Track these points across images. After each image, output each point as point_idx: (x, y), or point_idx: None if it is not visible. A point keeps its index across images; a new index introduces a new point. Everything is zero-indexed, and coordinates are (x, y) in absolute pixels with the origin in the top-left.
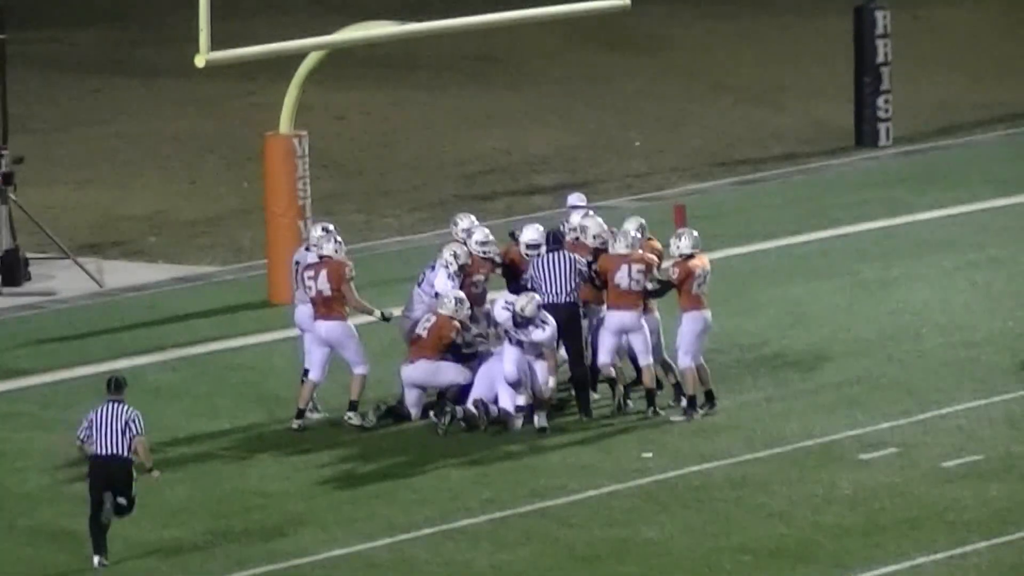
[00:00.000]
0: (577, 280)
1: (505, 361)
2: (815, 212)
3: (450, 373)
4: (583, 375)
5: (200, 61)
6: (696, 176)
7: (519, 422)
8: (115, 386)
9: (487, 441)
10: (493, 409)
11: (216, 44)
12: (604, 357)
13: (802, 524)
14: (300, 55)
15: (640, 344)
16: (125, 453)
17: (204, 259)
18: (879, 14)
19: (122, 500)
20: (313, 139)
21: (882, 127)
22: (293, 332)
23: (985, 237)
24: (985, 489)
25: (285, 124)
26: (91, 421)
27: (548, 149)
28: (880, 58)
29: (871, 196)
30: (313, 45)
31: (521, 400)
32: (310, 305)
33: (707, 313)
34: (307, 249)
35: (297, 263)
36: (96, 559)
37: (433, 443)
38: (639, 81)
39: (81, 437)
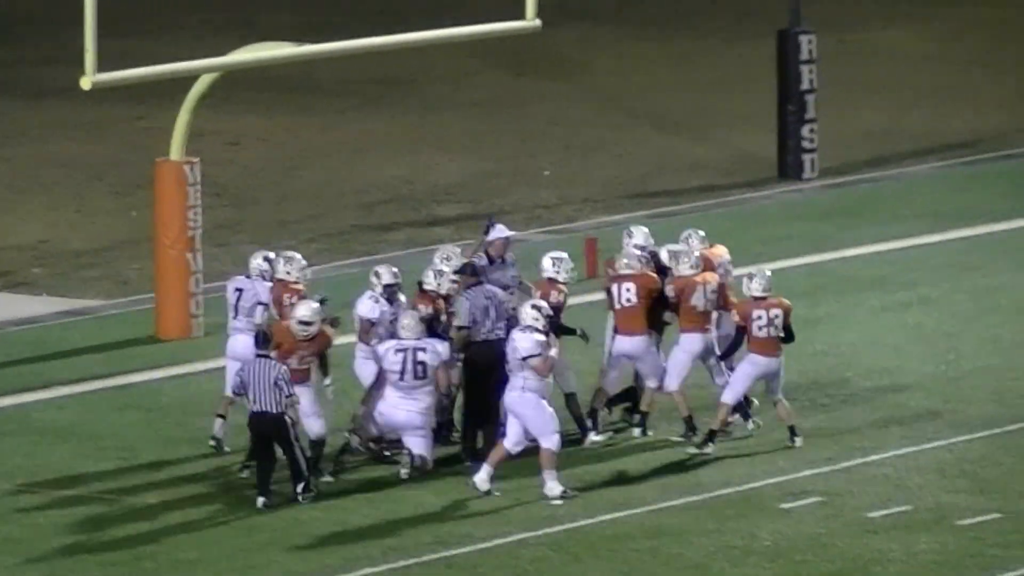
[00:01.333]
0: (504, 316)
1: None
2: (735, 248)
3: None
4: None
5: (86, 83)
6: (609, 208)
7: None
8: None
9: (390, 486)
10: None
11: (105, 65)
12: (674, 382)
13: None
14: (192, 77)
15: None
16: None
17: (90, 292)
18: (804, 38)
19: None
20: (205, 166)
21: (807, 158)
22: (181, 369)
23: (917, 275)
24: (913, 541)
25: (176, 150)
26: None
27: (452, 178)
28: (805, 85)
29: (795, 231)
30: (205, 67)
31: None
32: (247, 335)
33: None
34: (247, 277)
35: (239, 290)
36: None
37: (335, 487)
38: (550, 107)
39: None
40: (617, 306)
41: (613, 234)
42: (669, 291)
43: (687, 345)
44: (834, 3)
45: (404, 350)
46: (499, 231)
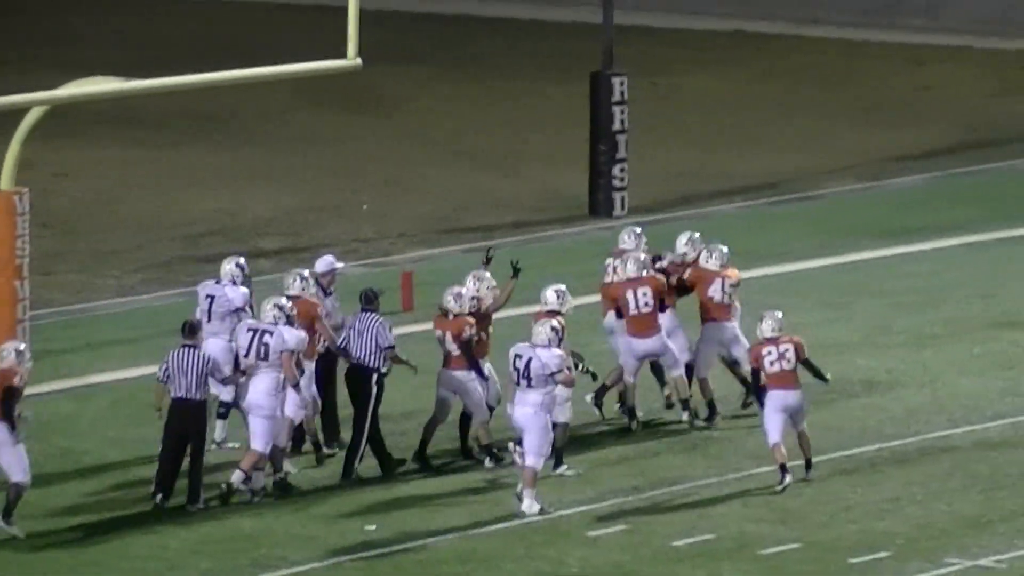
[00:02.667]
0: (378, 345)
1: None
2: (547, 282)
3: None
4: (359, 443)
5: None
6: (424, 242)
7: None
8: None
9: (204, 509)
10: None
11: None
12: (703, 371)
13: None
14: (22, 110)
15: (743, 353)
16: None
17: None
18: (616, 80)
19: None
20: (34, 196)
21: (617, 196)
22: None
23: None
24: (716, 569)
25: (6, 180)
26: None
27: (273, 211)
28: (616, 125)
29: (603, 267)
30: (35, 100)
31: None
32: (222, 339)
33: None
34: (217, 282)
35: (211, 296)
36: (158, 496)
37: (151, 510)
38: (369, 143)
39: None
40: (634, 312)
41: (428, 267)
42: (686, 276)
43: (708, 334)
44: (646, 47)
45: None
46: (328, 263)
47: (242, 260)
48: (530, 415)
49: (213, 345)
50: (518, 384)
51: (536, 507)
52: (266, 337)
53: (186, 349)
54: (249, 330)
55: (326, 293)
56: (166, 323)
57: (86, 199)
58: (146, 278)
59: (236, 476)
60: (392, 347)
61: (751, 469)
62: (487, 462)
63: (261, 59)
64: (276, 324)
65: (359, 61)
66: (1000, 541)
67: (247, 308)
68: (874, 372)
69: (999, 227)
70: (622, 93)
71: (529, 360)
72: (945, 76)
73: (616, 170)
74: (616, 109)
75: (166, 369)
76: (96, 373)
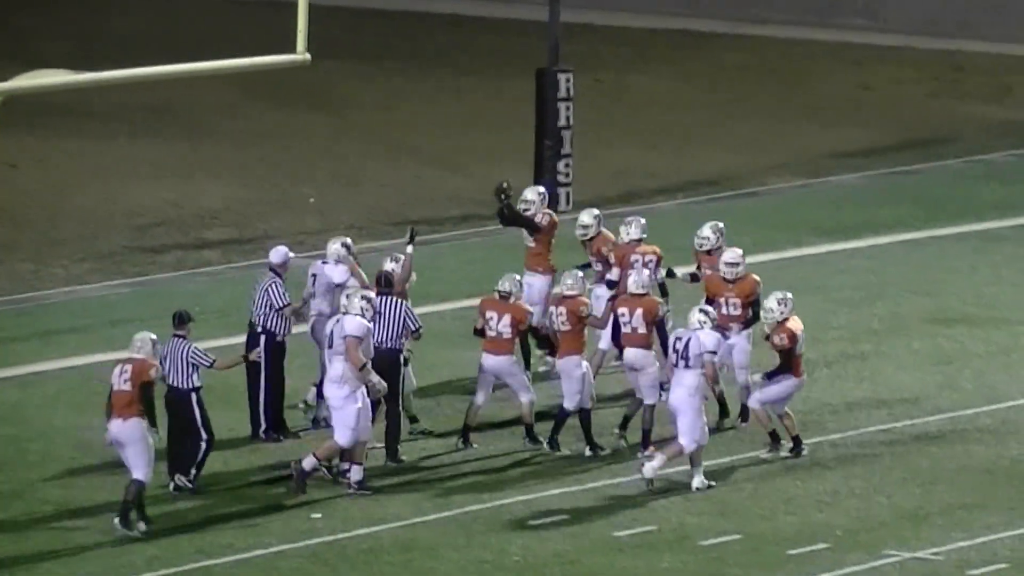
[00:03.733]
0: (403, 327)
1: None
2: (492, 276)
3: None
4: (398, 424)
5: None
6: (370, 235)
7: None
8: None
9: (153, 497)
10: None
11: None
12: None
13: None
14: None
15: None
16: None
17: None
18: (562, 77)
19: None
20: None
21: (562, 191)
22: None
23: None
24: (657, 559)
25: None
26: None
27: (219, 203)
28: (562, 121)
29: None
30: None
31: None
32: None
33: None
34: (324, 261)
35: (314, 275)
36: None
37: (96, 498)
38: (316, 138)
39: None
40: (628, 330)
41: (374, 259)
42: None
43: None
44: (591, 44)
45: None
46: (282, 254)
47: (348, 240)
48: (684, 398)
49: (324, 324)
50: (676, 365)
51: (702, 481)
52: (334, 325)
53: (176, 340)
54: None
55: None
56: (114, 312)
57: (35, 189)
58: (94, 268)
59: (308, 462)
60: (420, 327)
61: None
62: (526, 443)
63: (211, 53)
64: (361, 314)
65: (308, 56)
66: (938, 533)
67: (347, 284)
68: (814, 366)
69: (936, 226)
70: (568, 90)
71: (688, 341)
72: (884, 76)
73: (561, 166)
74: (561, 105)
75: (163, 359)
76: (44, 361)
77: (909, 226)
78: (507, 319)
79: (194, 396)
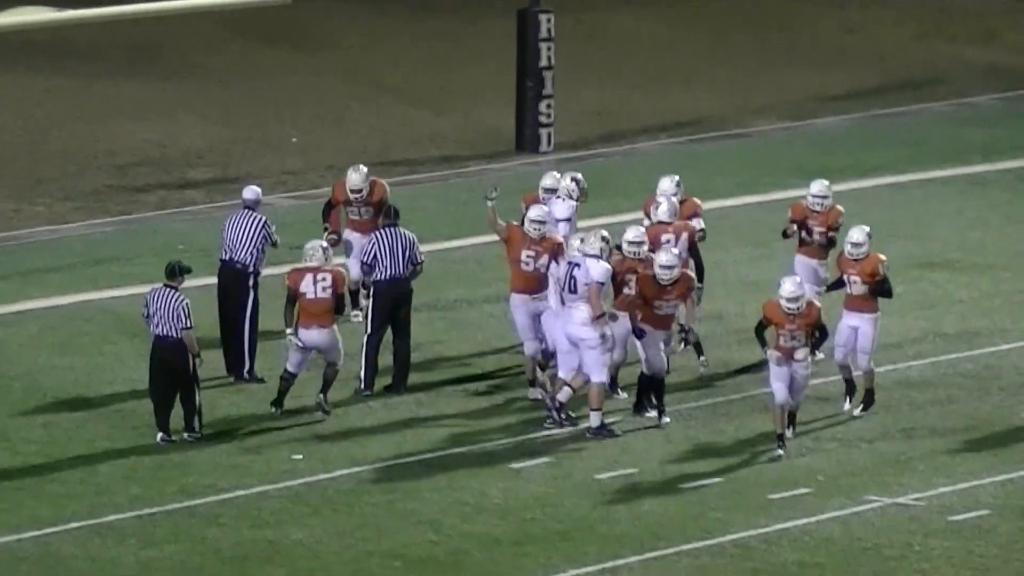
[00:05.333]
0: (411, 257)
1: None
2: (472, 217)
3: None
4: (408, 355)
5: None
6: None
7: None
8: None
9: (137, 436)
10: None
11: None
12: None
13: (451, 532)
14: None
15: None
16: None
17: None
18: (543, 17)
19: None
20: None
21: (544, 132)
22: None
23: (644, 248)
24: (638, 503)
25: None
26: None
27: (202, 143)
28: (543, 62)
29: None
30: None
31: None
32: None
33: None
34: (557, 196)
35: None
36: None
37: (80, 436)
38: (299, 78)
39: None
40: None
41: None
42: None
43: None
44: None
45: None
46: (255, 192)
47: (579, 175)
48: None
49: (595, 267)
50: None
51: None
52: (575, 270)
53: (167, 290)
54: (568, 263)
55: None
56: (96, 252)
57: (16, 128)
58: (77, 207)
59: (594, 418)
60: (422, 262)
61: (673, 406)
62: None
63: None
64: (598, 257)
65: None
66: (919, 479)
67: (570, 220)
68: None
69: (921, 169)
70: (549, 30)
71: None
72: (869, 19)
73: (542, 106)
74: (543, 46)
75: (147, 306)
76: (26, 300)
77: (894, 170)
78: (544, 259)
79: (251, 278)
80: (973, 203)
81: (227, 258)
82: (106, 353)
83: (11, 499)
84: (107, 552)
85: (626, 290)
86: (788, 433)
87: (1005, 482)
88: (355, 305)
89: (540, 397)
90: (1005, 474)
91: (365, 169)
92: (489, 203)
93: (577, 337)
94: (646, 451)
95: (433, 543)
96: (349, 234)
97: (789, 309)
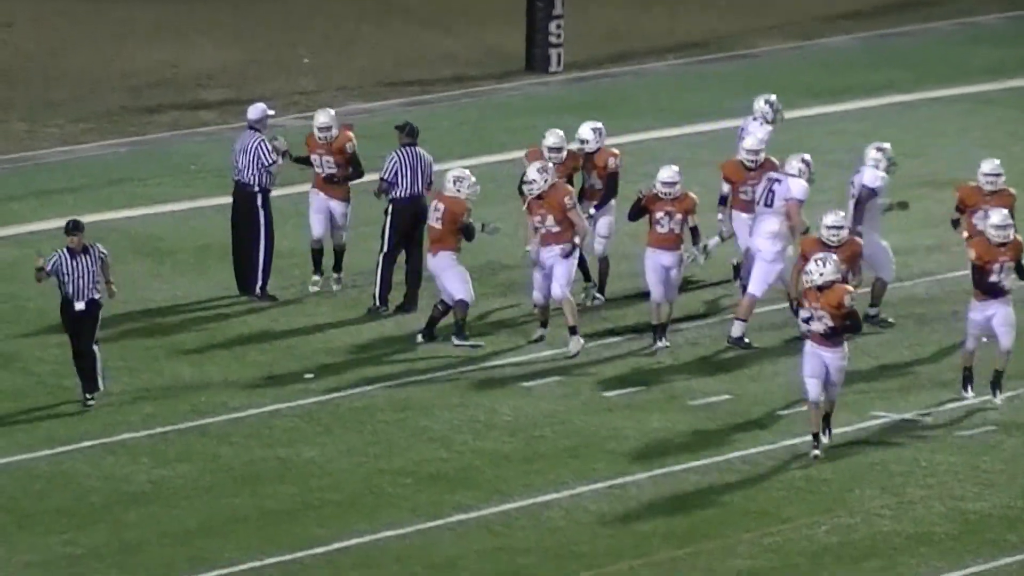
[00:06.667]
0: (428, 177)
1: None
2: (482, 136)
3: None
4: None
5: None
6: (364, 96)
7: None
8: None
9: (149, 356)
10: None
11: None
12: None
13: (462, 449)
14: None
15: None
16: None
17: None
18: None
19: None
20: None
21: (553, 52)
22: None
23: (656, 167)
24: (647, 419)
25: None
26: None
27: (215, 64)
28: None
29: (539, 122)
30: None
31: None
32: None
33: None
34: (754, 119)
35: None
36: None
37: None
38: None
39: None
40: (661, 229)
41: (367, 120)
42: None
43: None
44: None
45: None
46: (260, 111)
47: (772, 97)
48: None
49: (796, 184)
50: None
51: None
52: (775, 186)
53: (70, 253)
54: (766, 178)
55: None
56: (110, 172)
57: (30, 50)
58: (90, 128)
59: (736, 328)
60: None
61: (679, 325)
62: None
63: None
64: (799, 176)
65: None
66: (926, 395)
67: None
68: None
69: (927, 88)
70: None
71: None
72: None
73: (553, 26)
74: None
75: (55, 263)
76: (40, 220)
77: (900, 89)
78: (679, 217)
79: (260, 197)
80: (979, 122)
81: (236, 179)
82: (119, 273)
83: (25, 419)
84: (120, 470)
85: (659, 228)
86: (824, 438)
87: (1012, 398)
88: (316, 270)
89: (666, 344)
90: (1011, 390)
91: (333, 112)
92: (488, 234)
93: (756, 248)
94: (655, 369)
95: (444, 460)
96: (313, 193)
97: (830, 239)
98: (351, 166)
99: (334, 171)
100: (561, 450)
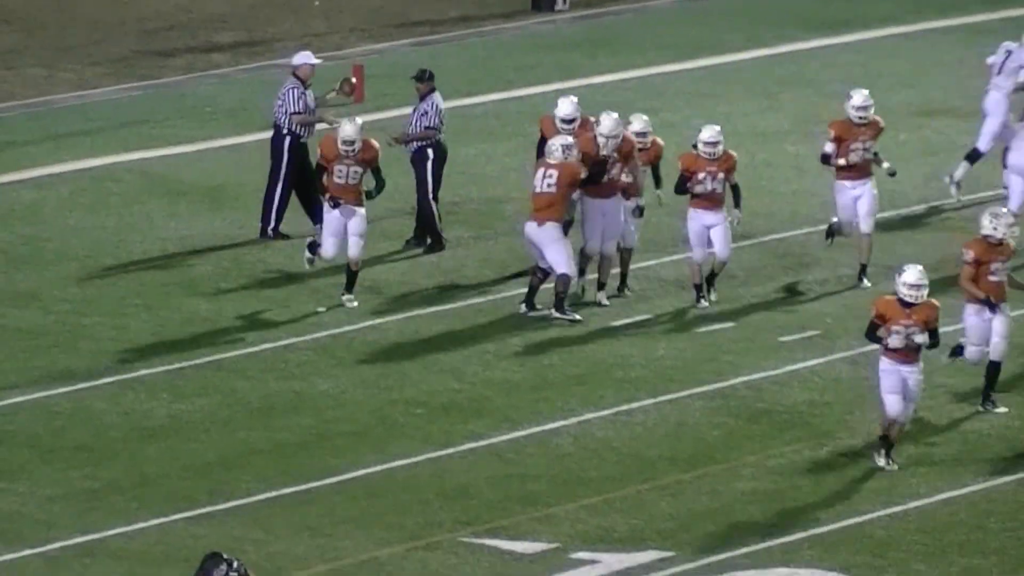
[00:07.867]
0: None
1: None
2: (490, 74)
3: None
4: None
5: None
6: (374, 36)
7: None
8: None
9: (166, 294)
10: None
11: None
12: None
13: (473, 380)
14: None
15: None
16: None
17: None
18: None
19: None
20: None
21: None
22: None
23: (659, 102)
24: (653, 347)
25: None
26: None
27: (227, 7)
28: None
29: (546, 60)
30: None
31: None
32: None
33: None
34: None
35: (1008, 51)
36: None
37: (111, 294)
38: None
39: None
40: (704, 189)
41: (378, 60)
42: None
43: None
44: None
45: None
46: (306, 57)
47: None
48: None
49: (995, 100)
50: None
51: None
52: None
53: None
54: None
55: (305, 86)
56: (125, 115)
57: None
58: (104, 72)
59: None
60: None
61: (685, 252)
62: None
63: None
64: None
65: None
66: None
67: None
68: (804, 159)
69: (923, 19)
70: None
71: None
72: None
73: None
74: None
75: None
76: (57, 163)
77: (897, 20)
78: (720, 176)
79: (288, 140)
80: (975, 51)
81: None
82: (135, 213)
83: (45, 356)
84: (139, 406)
85: (701, 188)
86: (883, 462)
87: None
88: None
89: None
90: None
91: (360, 122)
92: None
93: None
94: (660, 298)
95: (455, 390)
96: (328, 210)
97: (909, 297)
98: (374, 175)
99: (357, 181)
100: (569, 378)
